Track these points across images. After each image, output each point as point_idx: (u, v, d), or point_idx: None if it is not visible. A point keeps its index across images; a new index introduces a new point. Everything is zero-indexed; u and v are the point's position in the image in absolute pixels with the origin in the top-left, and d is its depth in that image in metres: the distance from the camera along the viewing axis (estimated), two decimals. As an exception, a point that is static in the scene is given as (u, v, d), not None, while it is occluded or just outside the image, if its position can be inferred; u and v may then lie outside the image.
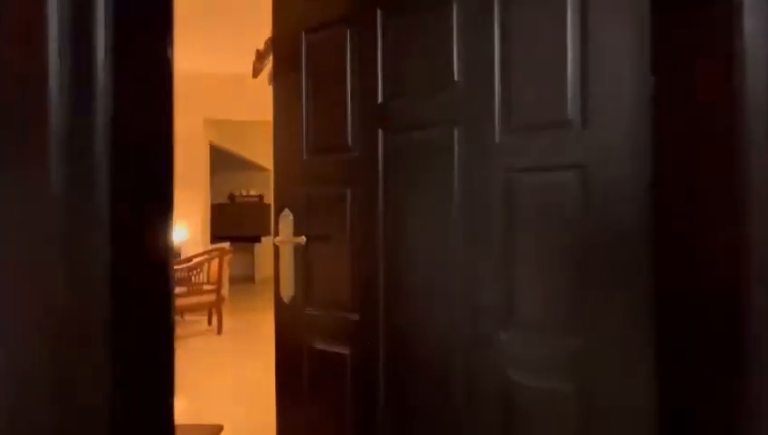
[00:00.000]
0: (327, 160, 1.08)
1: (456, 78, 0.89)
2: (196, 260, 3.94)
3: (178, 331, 4.17)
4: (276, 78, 1.18)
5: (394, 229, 0.96)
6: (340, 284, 1.03)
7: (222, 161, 7.47)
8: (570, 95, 0.80)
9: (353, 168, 1.02)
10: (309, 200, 1.08)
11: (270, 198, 8.08)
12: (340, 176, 1.06)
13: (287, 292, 1.09)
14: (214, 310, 4.05)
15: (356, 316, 0.99)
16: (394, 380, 0.95)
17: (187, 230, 4.80)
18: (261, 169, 7.70)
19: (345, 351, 1.01)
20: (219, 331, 3.99)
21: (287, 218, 1.09)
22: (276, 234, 1.11)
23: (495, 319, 0.85)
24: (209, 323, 4.24)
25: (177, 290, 3.68)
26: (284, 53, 1.16)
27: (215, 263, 4.05)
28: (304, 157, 1.09)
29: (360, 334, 0.99)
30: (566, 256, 0.80)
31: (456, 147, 0.89)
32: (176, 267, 3.90)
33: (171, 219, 0.51)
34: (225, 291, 5.39)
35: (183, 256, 4.56)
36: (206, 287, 3.91)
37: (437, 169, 0.92)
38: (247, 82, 4.89)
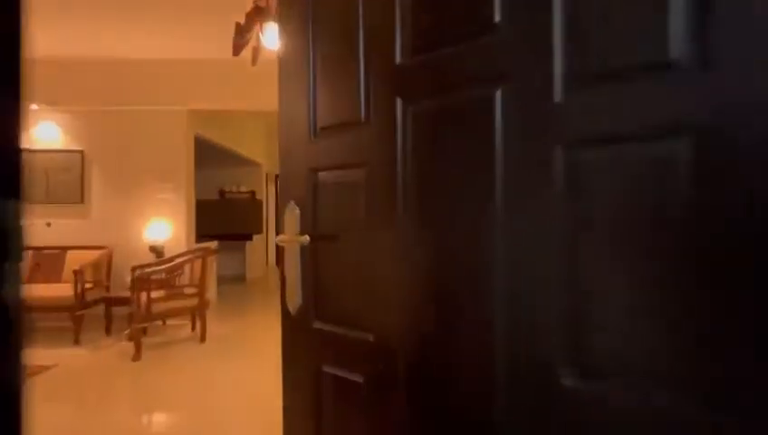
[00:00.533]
0: (336, 141, 0.87)
1: (496, 19, 0.62)
2: (177, 261, 3.62)
3: (159, 338, 3.85)
4: (282, 44, 1.00)
5: (417, 225, 0.72)
6: (352, 294, 0.83)
7: (210, 156, 7.13)
8: (678, 22, 0.50)
9: (366, 149, 0.81)
10: (316, 191, 0.89)
11: (262, 195, 7.78)
12: (350, 159, 0.84)
13: (293, 301, 0.90)
14: (197, 315, 3.74)
15: (370, 337, 0.78)
16: (417, 424, 0.73)
17: (169, 229, 4.48)
18: (252, 163, 7.38)
19: (358, 379, 0.81)
20: (202, 338, 3.68)
21: (293, 213, 0.90)
22: (282, 231, 0.92)
23: (560, 353, 0.56)
24: (193, 328, 3.93)
25: (156, 294, 3.37)
26: (289, 12, 0.97)
27: (198, 264, 3.73)
28: (311, 138, 0.90)
29: (375, 360, 0.79)
30: (673, 264, 0.50)
31: (497, 113, 0.61)
32: (154, 269, 3.59)
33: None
34: (211, 294, 5.08)
35: (167, 257, 4.25)
36: (187, 290, 3.60)
37: (472, 146, 0.64)
38: (233, 69, 4.56)
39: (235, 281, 6.93)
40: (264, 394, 2.68)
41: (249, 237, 7.00)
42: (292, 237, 0.89)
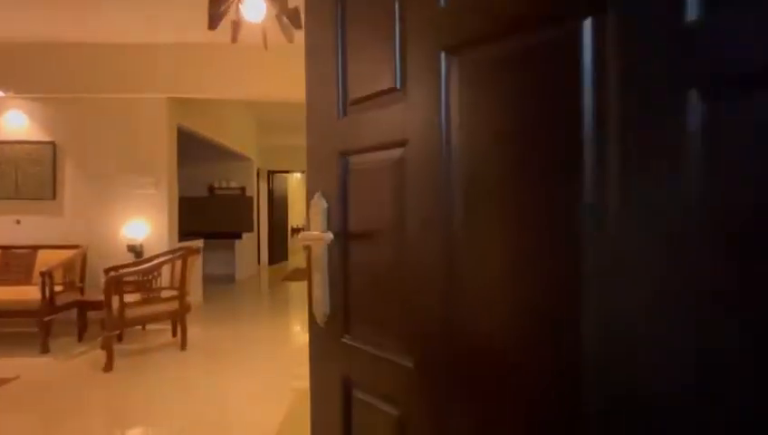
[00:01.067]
0: (369, 117, 0.70)
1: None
2: (154, 262, 3.31)
3: (136, 344, 3.55)
4: (308, 9, 0.82)
5: (470, 221, 0.54)
6: (388, 307, 0.68)
7: (198, 150, 6.81)
8: None
9: (404, 122, 0.62)
10: (347, 179, 0.74)
11: (253, 191, 7.46)
12: (386, 137, 0.66)
13: (321, 309, 0.76)
14: (178, 321, 3.43)
15: (409, 362, 0.62)
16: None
17: (149, 227, 4.16)
18: (242, 158, 7.07)
19: (393, 411, 0.65)
20: (183, 346, 3.38)
21: (320, 206, 0.76)
22: (308, 227, 0.80)
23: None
24: (174, 334, 3.63)
25: (130, 298, 3.06)
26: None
27: (179, 265, 3.42)
28: (340, 116, 0.75)
29: (415, 392, 0.61)
30: None
31: (585, 62, 0.39)
32: (128, 270, 3.28)
33: None
34: (196, 296, 4.77)
35: (146, 257, 3.94)
36: (165, 294, 3.29)
37: (548, 106, 0.44)
38: (217, 54, 4.25)
39: (223, 282, 6.62)
40: (247, 410, 2.40)
41: (239, 236, 6.69)
42: (317, 236, 0.74)
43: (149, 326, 3.73)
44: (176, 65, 4.13)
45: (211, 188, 7.14)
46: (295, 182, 11.27)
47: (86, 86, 4.10)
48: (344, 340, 0.74)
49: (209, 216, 7.04)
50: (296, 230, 11.82)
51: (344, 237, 0.73)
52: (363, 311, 0.72)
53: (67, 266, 3.72)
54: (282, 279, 6.98)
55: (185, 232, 6.17)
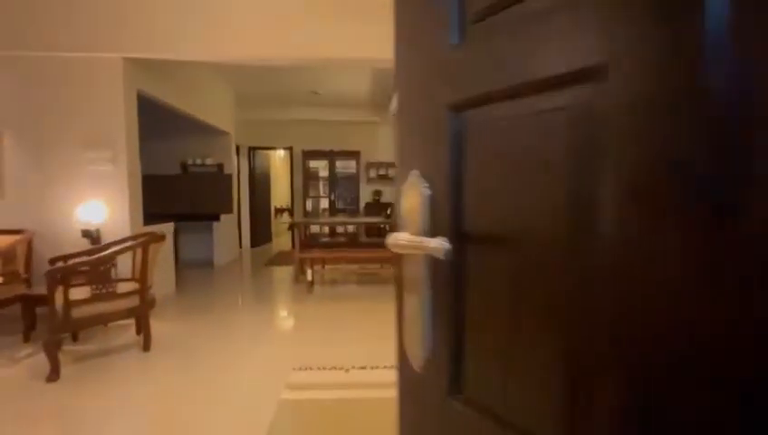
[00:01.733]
0: (507, 38, 0.37)
1: None
2: (109, 251, 2.81)
3: (93, 344, 3.08)
4: None
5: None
6: (538, 361, 0.38)
7: (169, 123, 6.17)
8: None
9: (595, 34, 0.29)
10: (462, 147, 0.43)
11: (232, 168, 6.88)
12: (546, 68, 0.34)
13: (417, 350, 0.49)
14: (140, 318, 2.97)
15: None
16: None
17: (107, 209, 3.62)
18: (219, 132, 6.45)
19: None
20: (146, 346, 2.93)
21: (418, 194, 0.47)
22: (397, 226, 0.53)
23: None
24: (138, 331, 3.17)
25: (79, 294, 2.58)
26: None
27: (142, 253, 2.92)
28: (453, 43, 0.44)
29: None
30: None
31: None
32: (75, 261, 2.78)
33: None
34: (167, 286, 4.29)
35: (105, 243, 3.43)
36: (122, 288, 2.81)
37: None
38: (183, 6, 3.63)
39: (201, 267, 6.12)
40: (221, 428, 2.00)
41: (216, 217, 6.15)
42: (418, 239, 0.46)
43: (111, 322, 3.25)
44: (135, 19, 3.51)
45: (184, 166, 6.53)
46: (278, 160, 10.65)
47: (27, 43, 3.46)
48: (455, 405, 0.46)
49: (183, 196, 6.46)
50: (280, 211, 11.28)
51: (461, 242, 0.45)
52: (491, 361, 0.43)
53: (7, 255, 3.18)
54: (265, 264, 6.52)
55: (155, 214, 5.61)
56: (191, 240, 6.65)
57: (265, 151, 8.93)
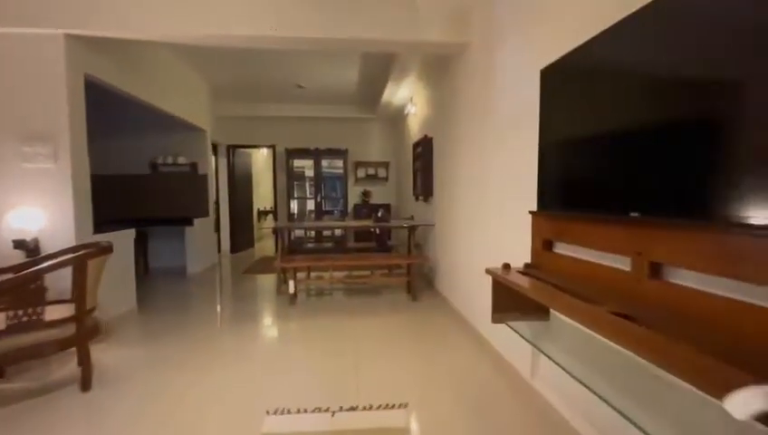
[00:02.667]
0: None
1: None
2: (31, 270, 2.25)
3: (21, 383, 2.51)
4: None
5: None
6: None
7: (135, 117, 5.58)
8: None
9: None
10: None
11: (207, 167, 6.31)
12: None
13: None
14: (79, 351, 2.42)
15: None
16: None
17: (47, 214, 3.05)
18: (193, 129, 5.87)
19: None
20: (85, 385, 2.38)
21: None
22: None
23: None
24: (80, 362, 2.61)
25: (-6, 324, 2.02)
26: None
27: (90, 268, 2.37)
28: None
29: None
30: None
31: None
32: (-11, 284, 2.21)
33: None
34: (126, 302, 3.72)
35: (43, 255, 2.85)
36: (52, 315, 2.26)
37: None
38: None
39: (173, 276, 5.54)
40: None
41: (189, 222, 5.57)
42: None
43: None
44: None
45: (154, 165, 5.93)
46: (261, 159, 10.06)
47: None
48: None
49: (153, 198, 5.87)
50: (264, 213, 10.69)
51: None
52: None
53: None
54: (243, 271, 5.96)
55: (118, 219, 5.02)
56: (163, 247, 6.06)
57: (247, 150, 8.36)
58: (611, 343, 1.26)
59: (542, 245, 2.05)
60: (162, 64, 4.76)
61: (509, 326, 2.12)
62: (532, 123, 2.18)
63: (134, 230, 3.98)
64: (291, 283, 4.15)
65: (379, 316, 3.75)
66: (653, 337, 1.14)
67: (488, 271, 2.06)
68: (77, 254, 2.34)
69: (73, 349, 2.58)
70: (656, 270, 1.35)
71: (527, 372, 2.39)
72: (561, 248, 1.97)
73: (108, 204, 5.68)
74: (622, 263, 1.51)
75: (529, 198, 2.24)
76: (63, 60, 3.02)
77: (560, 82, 1.82)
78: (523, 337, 2.08)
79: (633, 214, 1.33)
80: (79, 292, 2.33)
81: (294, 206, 8.29)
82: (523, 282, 1.85)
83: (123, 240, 3.85)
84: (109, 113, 5.60)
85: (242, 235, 8.18)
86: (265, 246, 8.97)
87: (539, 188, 2.01)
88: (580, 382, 1.64)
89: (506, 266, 2.08)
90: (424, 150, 5.01)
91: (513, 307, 2.08)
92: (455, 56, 3.76)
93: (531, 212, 2.13)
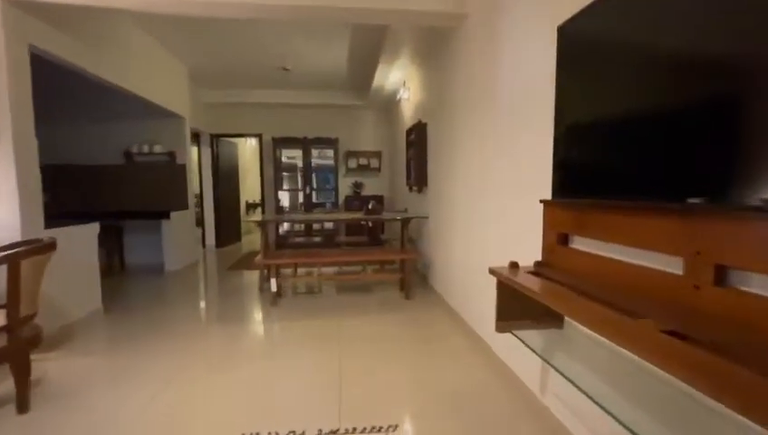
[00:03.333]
0: None
1: None
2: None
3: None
4: None
5: None
6: None
7: (109, 103, 5.17)
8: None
9: None
10: None
11: (185, 156, 5.91)
12: None
13: None
14: (15, 365, 2.06)
15: None
16: None
17: (-13, 206, 2.67)
18: (171, 115, 5.47)
19: None
20: (21, 407, 2.03)
21: None
22: None
23: None
24: (16, 380, 2.25)
25: None
26: None
27: (27, 269, 2.01)
28: None
29: None
30: None
31: None
32: None
33: None
34: (89, 303, 3.36)
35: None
36: (-26, 327, 1.90)
37: None
38: None
39: (149, 274, 5.16)
40: None
41: (166, 215, 5.19)
42: None
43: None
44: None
45: (128, 154, 5.52)
46: (249, 150, 9.64)
47: None
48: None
49: (126, 190, 5.47)
50: (253, 206, 10.30)
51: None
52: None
53: None
54: (228, 268, 5.60)
55: (86, 213, 4.62)
56: (140, 242, 5.68)
57: (233, 140, 7.94)
58: (641, 359, 0.94)
59: (557, 239, 1.73)
60: (135, 45, 4.34)
61: (516, 336, 1.80)
62: (544, 95, 1.84)
63: (97, 224, 3.60)
64: (272, 281, 3.80)
65: (369, 317, 3.43)
66: (723, 367, 0.82)
67: (492, 271, 1.74)
68: (6, 253, 1.97)
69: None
70: (721, 275, 1.02)
71: (536, 386, 2.08)
72: (581, 244, 1.64)
73: (75, 196, 5.29)
74: (668, 264, 1.19)
75: (539, 185, 1.91)
76: (1, 28, 2.61)
77: (587, 38, 1.48)
78: (534, 351, 1.77)
79: (693, 200, 1.00)
80: (11, 297, 1.98)
81: (286, 198, 7.92)
82: (535, 285, 1.53)
83: (85, 235, 3.47)
84: (76, 98, 5.17)
85: (228, 229, 7.81)
86: (254, 239, 8.59)
87: (554, 171, 1.68)
88: (603, 408, 1.33)
89: (514, 266, 1.75)
90: (417, 137, 4.66)
91: (521, 313, 1.76)
92: (451, 31, 3.39)
93: (543, 201, 1.80)
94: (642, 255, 1.31)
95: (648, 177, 1.17)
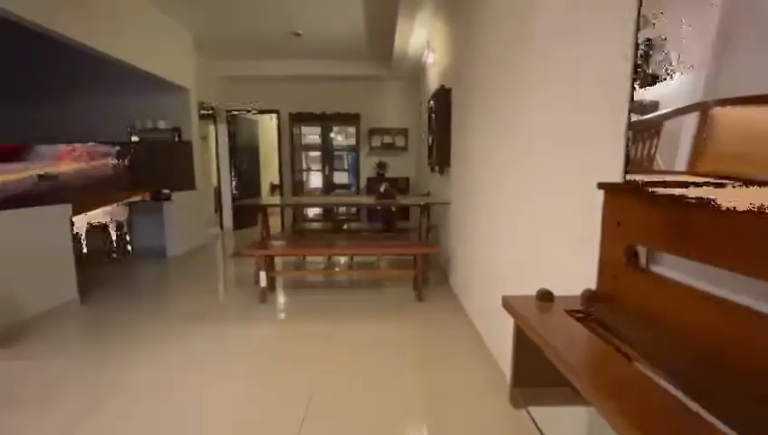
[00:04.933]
0: None
1: None
2: None
3: None
4: None
5: None
6: None
7: (106, 75, 4.83)
8: None
9: None
10: None
11: (191, 133, 5.52)
12: None
13: None
14: None
15: None
16: None
17: None
18: (173, 87, 5.05)
19: None
20: None
21: None
22: None
23: None
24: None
25: None
26: None
27: None
28: None
29: None
30: None
31: None
32: None
33: None
34: (65, 291, 3.00)
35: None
36: None
37: None
38: None
39: (150, 259, 4.87)
40: None
41: (167, 197, 4.83)
42: None
43: None
44: None
45: (131, 130, 5.19)
46: (270, 127, 9.20)
47: None
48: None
49: (130, 169, 5.15)
50: (276, 187, 9.93)
51: None
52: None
53: None
54: (231, 254, 5.21)
55: (100, 191, 4.33)
56: (145, 225, 5.40)
57: (253, 118, 7.50)
58: None
59: (626, 255, 0.99)
60: (129, 9, 3.89)
61: (535, 424, 1.09)
62: (613, 17, 1.08)
63: (69, 206, 3.23)
64: (262, 275, 3.28)
65: (370, 324, 2.82)
66: None
67: (508, 304, 1.04)
68: None
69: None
70: None
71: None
72: (672, 267, 0.90)
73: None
74: None
75: (596, 166, 1.17)
76: None
77: None
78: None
79: None
80: None
81: (310, 179, 7.45)
82: (573, 345, 0.83)
83: (53, 218, 3.11)
84: (62, 70, 4.88)
85: (246, 210, 7.47)
86: (273, 222, 8.23)
87: (632, 135, 0.93)
88: None
89: (546, 297, 1.04)
90: (439, 106, 3.88)
91: (554, 377, 1.06)
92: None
93: (602, 186, 1.06)
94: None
95: None
